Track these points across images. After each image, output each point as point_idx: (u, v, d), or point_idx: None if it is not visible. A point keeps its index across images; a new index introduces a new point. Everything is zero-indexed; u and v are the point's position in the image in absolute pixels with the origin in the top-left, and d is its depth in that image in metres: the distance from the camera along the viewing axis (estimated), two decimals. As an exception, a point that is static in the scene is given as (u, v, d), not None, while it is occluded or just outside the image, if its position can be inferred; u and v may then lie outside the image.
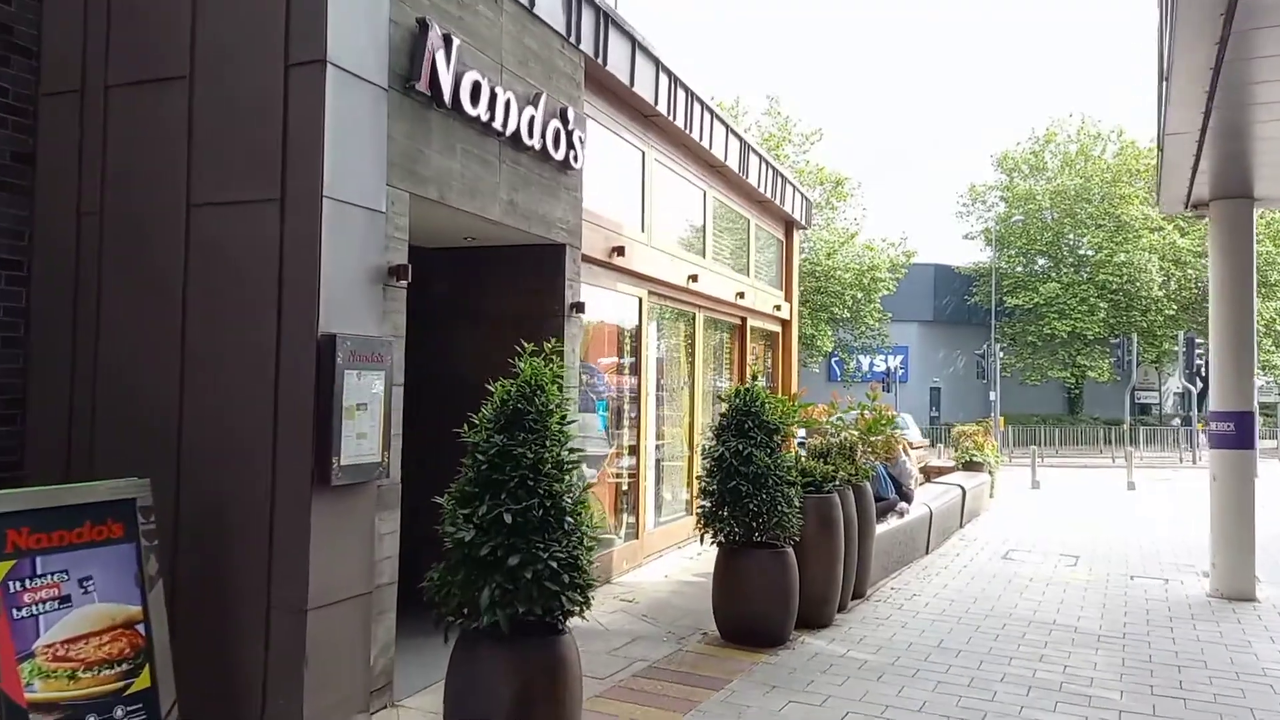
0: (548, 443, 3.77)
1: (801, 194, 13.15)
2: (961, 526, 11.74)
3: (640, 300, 8.34)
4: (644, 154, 8.31)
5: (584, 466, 4.41)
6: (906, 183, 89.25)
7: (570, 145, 6.25)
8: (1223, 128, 6.19)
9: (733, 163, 10.05)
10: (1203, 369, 35.77)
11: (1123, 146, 39.23)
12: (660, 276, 8.53)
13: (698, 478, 6.35)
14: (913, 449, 14.66)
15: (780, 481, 6.01)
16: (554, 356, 4.02)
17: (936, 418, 41.37)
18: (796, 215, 12.88)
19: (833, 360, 40.88)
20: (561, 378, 3.86)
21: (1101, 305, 37.92)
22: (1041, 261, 41.04)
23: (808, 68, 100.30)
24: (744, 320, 11.43)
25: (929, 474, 14.40)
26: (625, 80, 7.36)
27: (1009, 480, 18.73)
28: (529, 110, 5.73)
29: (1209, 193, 7.94)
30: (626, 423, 8.31)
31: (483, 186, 5.37)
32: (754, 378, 6.16)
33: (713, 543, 6.10)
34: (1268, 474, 20.17)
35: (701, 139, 9.06)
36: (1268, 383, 38.52)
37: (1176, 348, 32.72)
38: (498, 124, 5.39)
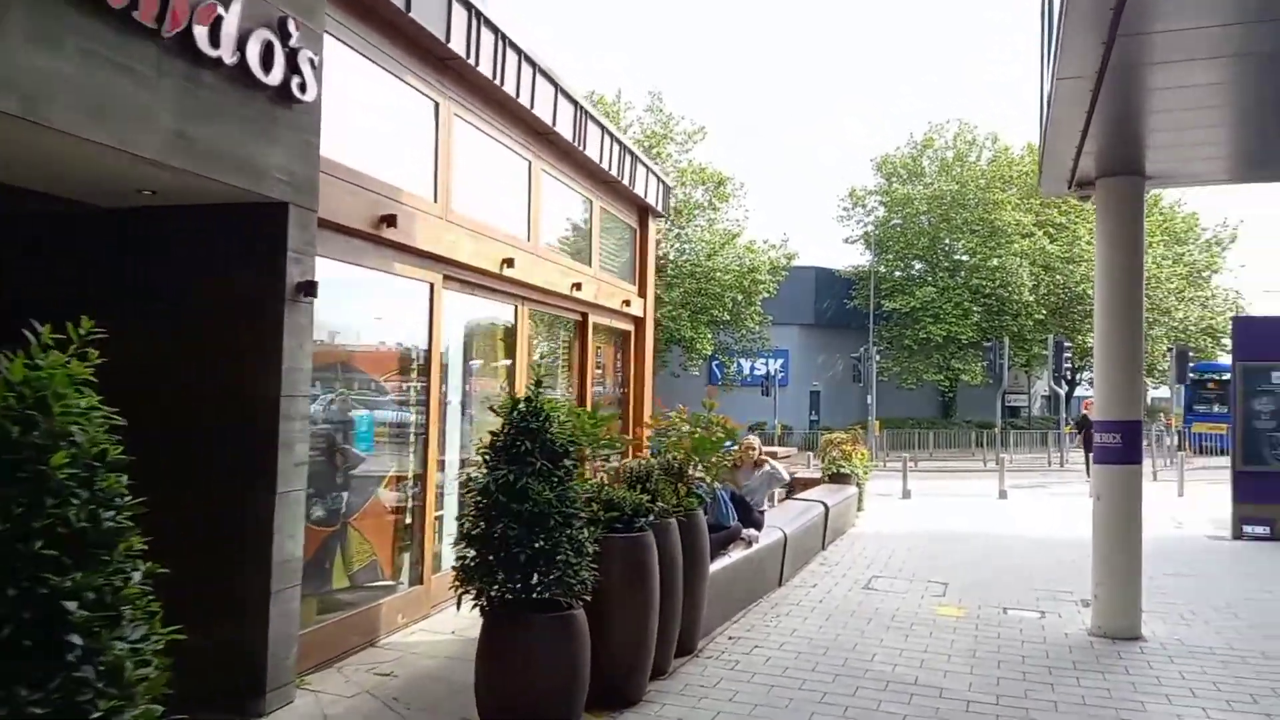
0: (45, 498, 2.16)
1: (659, 178, 11.81)
2: (824, 548, 10.58)
3: (432, 287, 6.76)
4: (437, 105, 6.74)
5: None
6: (791, 185, 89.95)
7: (294, 69, 4.65)
8: (1117, 85, 5.07)
9: (565, 130, 8.58)
10: (1070, 372, 36.50)
11: (997, 153, 39.72)
12: (460, 259, 6.98)
13: (457, 519, 4.81)
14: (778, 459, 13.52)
15: (566, 521, 4.55)
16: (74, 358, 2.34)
17: (816, 421, 40.99)
18: (652, 201, 11.52)
19: (713, 364, 40.03)
20: (86, 384, 2.24)
21: (975, 310, 38.23)
22: (918, 266, 41.20)
23: (693, 66, 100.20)
24: (585, 316, 9.99)
25: (794, 487, 13.28)
26: (399, 3, 5.80)
27: (882, 488, 17.88)
28: (216, 9, 4.11)
29: (1095, 169, 6.91)
30: (413, 439, 6.71)
31: (123, 106, 3.72)
32: (537, 383, 4.58)
33: (474, 606, 4.57)
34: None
35: (520, 96, 7.55)
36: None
37: (1045, 351, 33.07)
38: (148, 18, 3.75)
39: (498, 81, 7.13)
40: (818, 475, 13.66)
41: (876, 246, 41.48)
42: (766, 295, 36.66)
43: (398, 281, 6.42)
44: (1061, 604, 8.11)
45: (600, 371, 10.88)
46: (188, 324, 4.82)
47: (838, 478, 12.81)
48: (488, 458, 4.68)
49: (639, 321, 11.68)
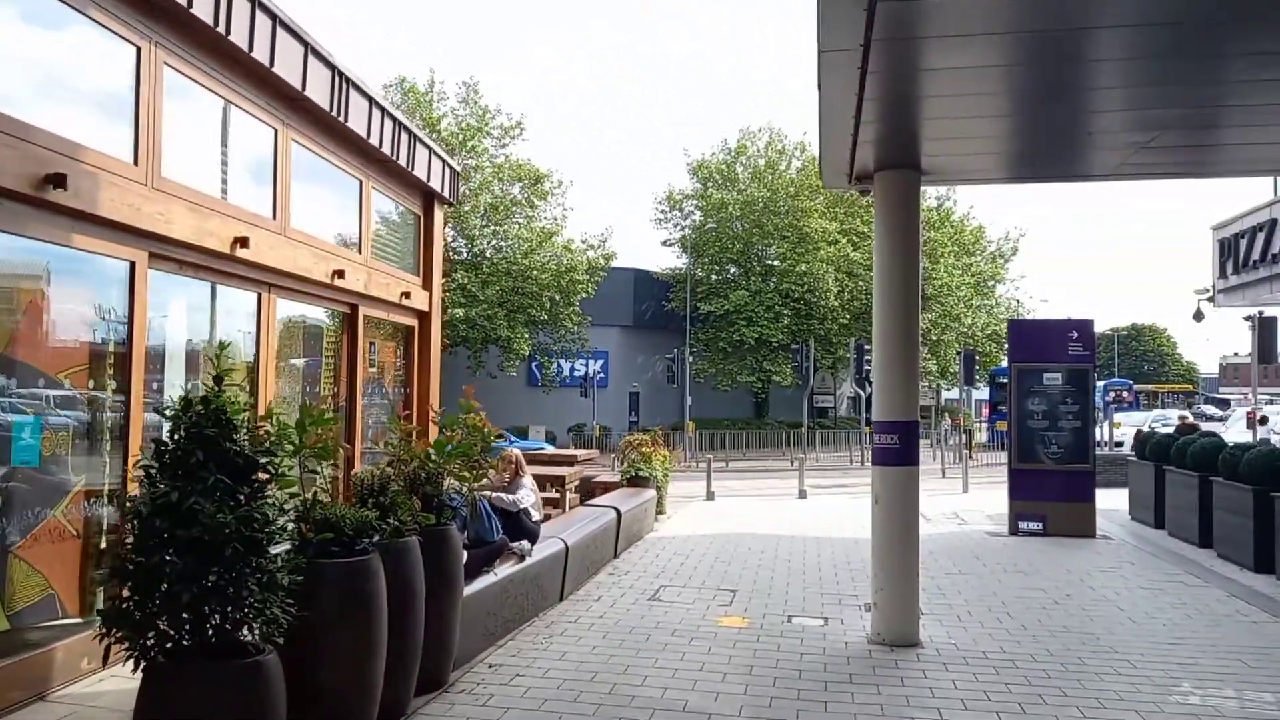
0: None
1: (445, 161, 10.94)
2: (616, 556, 10.06)
3: (133, 266, 5.68)
4: (139, 50, 5.66)
5: None
6: (613, 185, 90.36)
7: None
8: (887, 62, 4.75)
9: (320, 98, 7.61)
10: (870, 374, 38.24)
11: (806, 162, 41.02)
12: (174, 235, 5.91)
13: (104, 550, 3.85)
14: (578, 463, 12.96)
15: (250, 549, 3.70)
16: None
17: (636, 422, 40.96)
18: (437, 186, 10.64)
19: (532, 364, 39.23)
20: None
21: (785, 313, 39.33)
22: (733, 269, 41.98)
23: (512, 59, 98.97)
24: (354, 309, 9.00)
25: (592, 490, 12.76)
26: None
27: (687, 490, 17.73)
28: None
29: (874, 163, 6.68)
30: (108, 447, 5.61)
31: None
32: (217, 380, 3.68)
33: (129, 657, 3.64)
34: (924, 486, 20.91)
35: (255, 50, 6.54)
36: (923, 388, 41.90)
37: (849, 354, 34.34)
38: None
39: (223, 30, 6.11)
40: (618, 479, 13.16)
41: (693, 250, 41.97)
42: (585, 295, 36.23)
43: (80, 258, 5.32)
44: (846, 609, 7.91)
45: (376, 370, 9.91)
46: None
47: (636, 481, 12.37)
48: (151, 473, 3.76)
49: (424, 316, 10.76)
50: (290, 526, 4.22)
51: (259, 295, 7.31)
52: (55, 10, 5.02)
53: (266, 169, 7.31)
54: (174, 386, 6.39)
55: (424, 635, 5.19)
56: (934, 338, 41.37)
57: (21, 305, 5.04)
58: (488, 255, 34.98)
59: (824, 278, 38.42)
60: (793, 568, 9.81)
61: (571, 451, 14.55)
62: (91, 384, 5.48)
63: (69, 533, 5.35)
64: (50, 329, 5.23)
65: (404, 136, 9.50)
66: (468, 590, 5.98)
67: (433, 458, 5.35)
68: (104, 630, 3.63)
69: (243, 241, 6.61)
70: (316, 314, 8.57)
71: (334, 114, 7.90)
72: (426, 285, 10.79)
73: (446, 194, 10.99)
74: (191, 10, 5.78)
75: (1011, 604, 8.14)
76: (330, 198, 8.69)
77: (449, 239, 35.30)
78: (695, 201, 42.71)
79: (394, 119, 9.20)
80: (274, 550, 3.93)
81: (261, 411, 6.33)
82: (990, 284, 46.23)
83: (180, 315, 6.50)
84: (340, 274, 8.25)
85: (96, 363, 5.56)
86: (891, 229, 6.75)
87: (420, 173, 10.04)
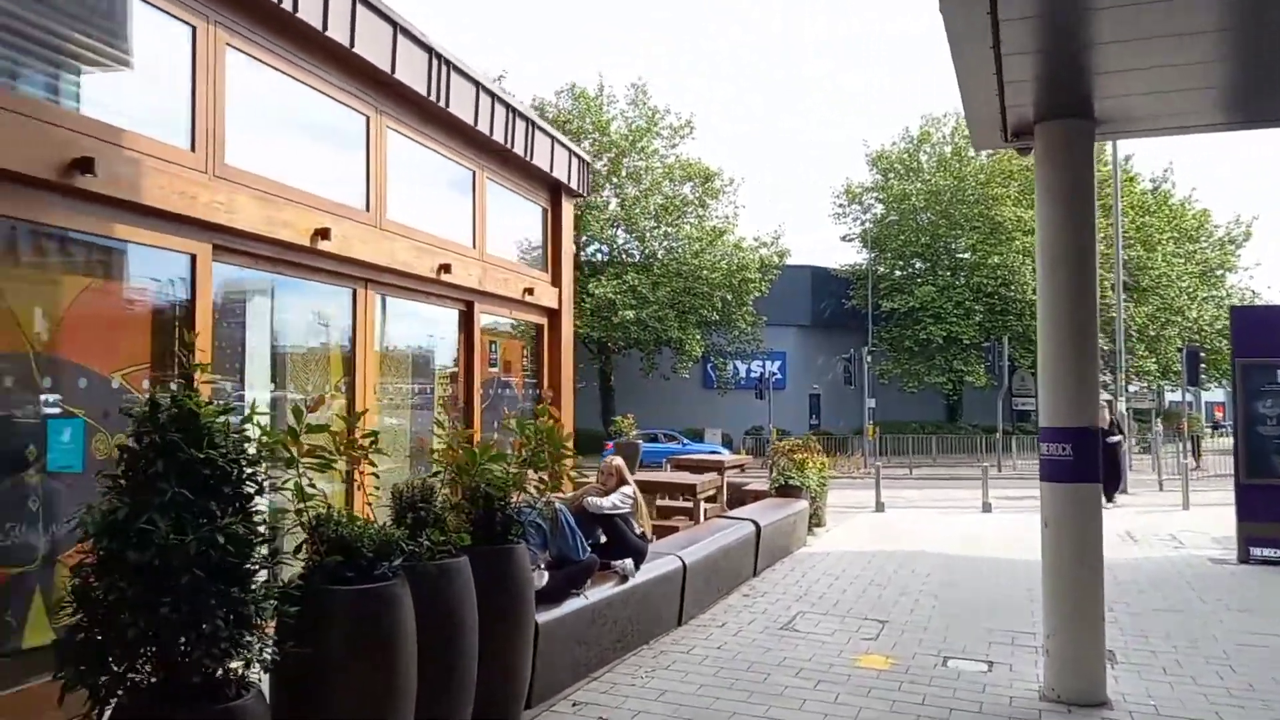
0: None
1: (572, 152, 10.36)
2: (755, 574, 9.08)
3: (194, 259, 5.33)
4: (195, 29, 5.32)
5: None
6: (785, 181, 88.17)
7: None
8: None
9: (414, 81, 7.15)
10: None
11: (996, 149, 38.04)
12: (240, 225, 5.54)
13: (67, 579, 3.34)
14: (726, 469, 12.06)
15: (215, 576, 3.10)
16: None
17: (816, 425, 39.44)
18: (563, 177, 10.08)
19: (707, 366, 38.53)
20: None
21: (977, 309, 36.60)
22: (918, 264, 39.59)
23: (682, 61, 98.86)
24: (470, 306, 8.54)
25: (742, 500, 11.80)
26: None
27: (857, 500, 16.41)
28: None
29: (1033, 112, 5.42)
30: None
31: None
32: (186, 376, 3.11)
33: (90, 710, 3.11)
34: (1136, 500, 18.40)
35: (329, 29, 6.12)
36: (1141, 389, 37.79)
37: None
38: None
39: (289, 7, 5.70)
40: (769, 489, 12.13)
41: (874, 244, 39.91)
42: (759, 295, 35.14)
43: (131, 250, 5.00)
44: (1019, 653, 6.59)
45: (499, 370, 9.44)
46: None
47: (786, 490, 11.30)
48: (109, 486, 3.24)
49: (553, 313, 10.23)
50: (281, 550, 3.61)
51: (353, 291, 6.92)
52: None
53: (357, 158, 6.92)
54: (254, 388, 6.06)
55: (485, 670, 4.51)
56: (1152, 333, 37.28)
57: (69, 301, 4.76)
58: (659, 256, 34.58)
59: (1020, 270, 35.42)
60: (960, 596, 8.49)
61: (718, 457, 13.62)
62: (145, 384, 5.16)
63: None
64: (102, 325, 4.94)
65: (521, 125, 8.96)
66: (547, 616, 5.26)
67: (472, 466, 4.64)
68: (58, 666, 3.13)
69: (323, 233, 6.20)
70: (427, 311, 8.14)
71: (433, 99, 7.43)
72: (555, 281, 10.24)
73: (575, 186, 10.40)
74: (254, -14, 5.40)
75: (1235, 654, 6.54)
76: (438, 190, 8.27)
77: (620, 240, 35.24)
78: (875, 194, 40.65)
79: (508, 106, 8.68)
80: (270, 576, 3.34)
81: (364, 411, 5.87)
82: (1219, 273, 41.24)
83: (257, 311, 6.16)
84: (446, 268, 7.77)
85: (157, 360, 5.25)
86: (1058, 194, 5.46)
87: (542, 163, 9.49)
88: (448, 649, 4.22)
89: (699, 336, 34.69)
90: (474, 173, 8.61)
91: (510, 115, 8.72)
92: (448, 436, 4.97)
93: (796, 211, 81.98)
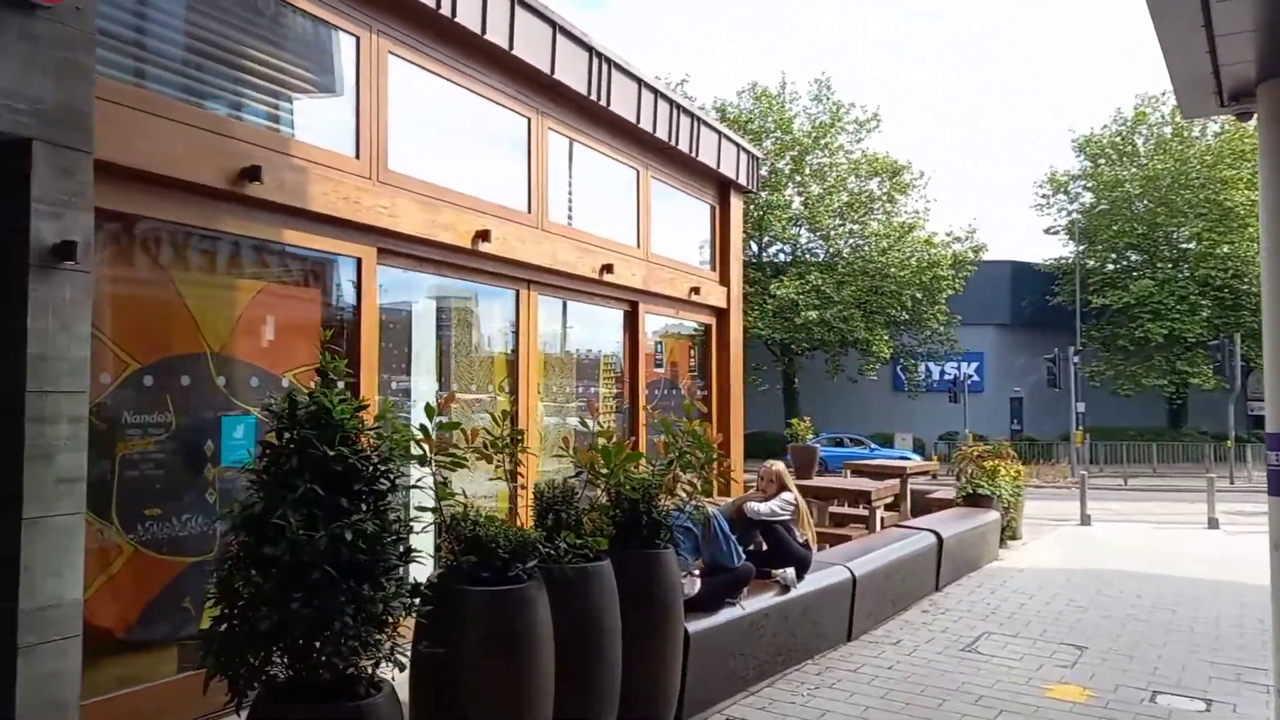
0: None
1: (740, 147, 10.11)
2: (938, 589, 8.47)
3: (360, 262, 5.51)
4: (359, 40, 5.50)
5: None
6: (980, 174, 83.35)
7: (19, -39, 3.51)
8: None
9: (574, 81, 7.14)
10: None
11: (1224, 125, 34.39)
12: (403, 229, 5.68)
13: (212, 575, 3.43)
14: (910, 475, 11.43)
15: (346, 573, 3.10)
16: None
17: (1019, 430, 37.11)
18: (731, 174, 9.85)
19: (896, 368, 37.03)
20: None
21: (1204, 304, 33.18)
22: (1133, 256, 36.37)
23: (867, 52, 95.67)
24: (634, 306, 8.48)
25: (928, 508, 11.12)
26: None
27: (1060, 511, 15.17)
28: None
29: (1256, 69, 4.67)
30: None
31: None
32: (323, 374, 3.15)
33: (229, 700, 3.18)
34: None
35: (487, 33, 6.19)
36: None
37: (1292, 352, 27.93)
38: None
39: (447, 13, 5.80)
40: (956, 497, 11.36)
41: (1082, 236, 37.03)
42: (952, 292, 33.42)
43: (301, 254, 5.22)
44: (1244, 691, 5.76)
45: (665, 370, 9.34)
46: None
47: (975, 500, 10.52)
48: (251, 481, 3.32)
49: (721, 313, 10.01)
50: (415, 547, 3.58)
51: (516, 292, 6.99)
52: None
53: (518, 159, 6.98)
54: (418, 388, 6.22)
55: (631, 676, 4.36)
56: None
57: (244, 303, 5.02)
58: (843, 254, 33.59)
59: (1255, 260, 31.77)
60: (1176, 621, 7.56)
61: (899, 463, 12.90)
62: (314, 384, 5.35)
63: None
64: (275, 326, 5.18)
65: (685, 121, 8.81)
66: (699, 625, 5.04)
67: (608, 466, 4.48)
68: (202, 654, 3.23)
69: (484, 235, 6.28)
70: (591, 312, 8.14)
71: (594, 98, 7.41)
72: (724, 280, 10.02)
73: (744, 182, 10.15)
74: (411, -7, 5.52)
75: None
76: (600, 190, 8.24)
77: (803, 240, 34.52)
78: (1083, 182, 37.71)
79: (671, 103, 8.56)
80: (403, 574, 3.33)
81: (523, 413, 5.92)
82: None
83: (421, 311, 6.31)
84: (609, 268, 7.73)
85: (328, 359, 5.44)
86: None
87: (708, 159, 9.30)
88: (588, 653, 4.10)
89: (887, 337, 33.38)
90: (637, 171, 8.54)
91: (674, 112, 8.59)
92: (588, 437, 4.84)
93: (992, 205, 77.45)
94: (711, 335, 10.00)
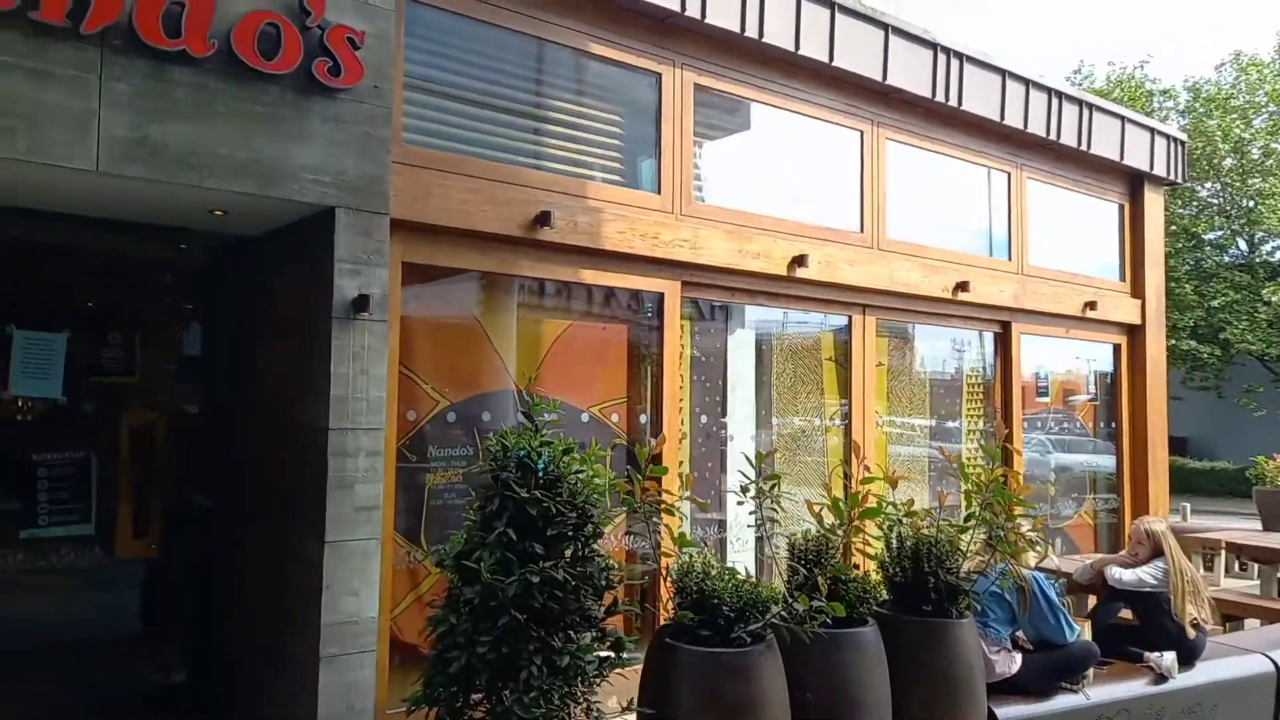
0: None
1: (1155, 131, 8.48)
2: None
3: (661, 297, 5.53)
4: (661, 76, 5.53)
5: None
6: None
7: (320, 52, 4.05)
8: None
9: (913, 83, 6.52)
10: None
11: None
12: (705, 261, 5.60)
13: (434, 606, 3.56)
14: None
15: (537, 619, 3.06)
16: None
17: None
18: (1143, 164, 8.30)
19: None
20: None
21: None
22: None
23: None
24: (1005, 327, 7.50)
25: None
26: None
27: None
28: None
29: None
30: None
31: (26, 112, 3.47)
32: (527, 414, 3.24)
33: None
34: None
35: (801, 47, 5.89)
36: None
37: None
38: (55, 16, 3.47)
39: (753, 34, 5.62)
40: None
41: None
42: None
43: (603, 292, 5.40)
44: None
45: (1047, 400, 8.12)
46: (241, 350, 4.55)
47: None
48: (466, 518, 3.44)
49: (1132, 331, 8.46)
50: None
51: (848, 317, 6.55)
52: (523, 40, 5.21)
53: (848, 176, 6.54)
54: (736, 421, 6.08)
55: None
56: None
57: (547, 341, 5.30)
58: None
59: None
60: None
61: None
62: (614, 417, 5.48)
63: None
64: (578, 363, 5.40)
65: (1070, 110, 7.63)
66: (1015, 711, 4.22)
67: (827, 521, 3.87)
68: (423, 685, 3.40)
69: (800, 260, 5.96)
70: (948, 334, 7.36)
71: (943, 100, 6.71)
72: (1136, 291, 8.48)
73: (1163, 172, 8.50)
74: (707, 20, 5.45)
75: None
76: (957, 199, 7.41)
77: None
78: None
79: (1049, 91, 7.45)
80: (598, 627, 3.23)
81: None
82: None
83: (739, 344, 6.16)
84: (963, 286, 6.91)
85: (634, 394, 5.56)
86: None
87: (1106, 150, 7.95)
88: (840, 736, 3.61)
89: None
90: (1008, 175, 7.55)
91: (1053, 101, 7.46)
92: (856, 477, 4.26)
93: None
94: (1120, 358, 8.48)
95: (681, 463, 5.69)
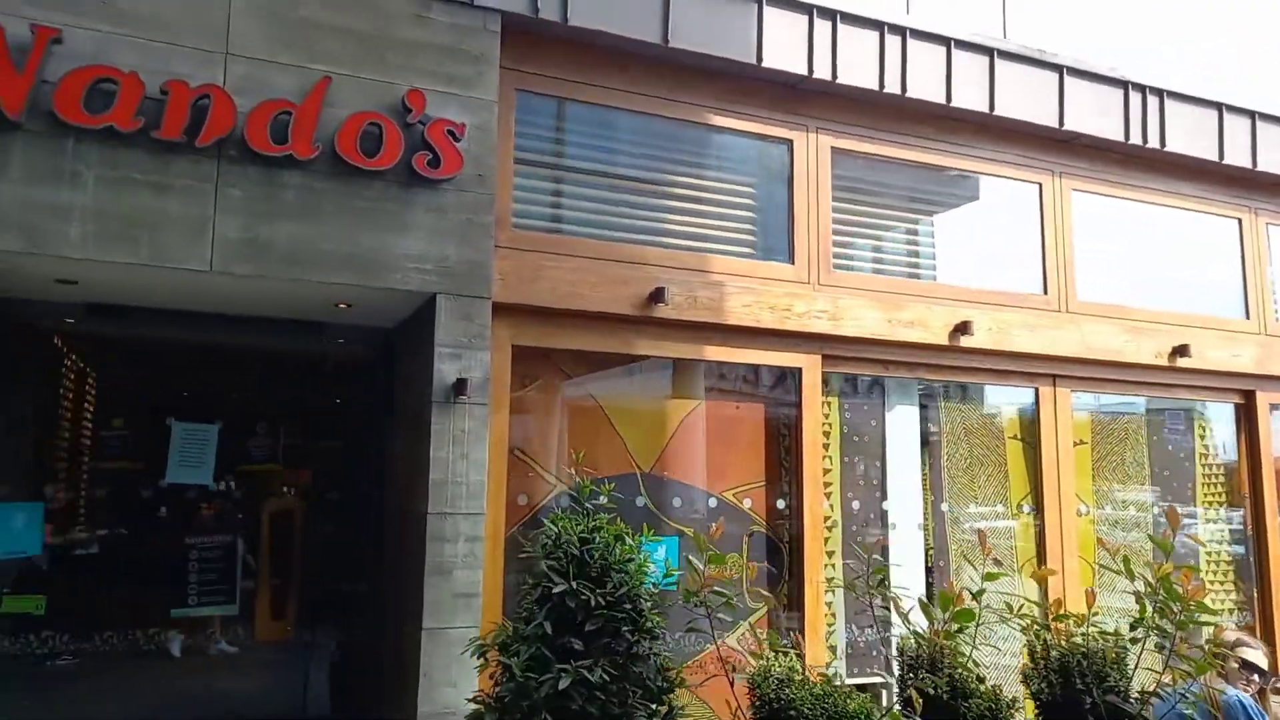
0: None
1: None
2: None
3: (800, 373, 5.14)
4: (793, 143, 5.26)
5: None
6: None
7: (422, 146, 4.20)
8: None
9: (1102, 127, 5.79)
10: None
11: None
12: (847, 333, 5.16)
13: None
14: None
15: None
16: None
17: None
18: None
19: None
20: None
21: None
22: None
23: None
24: (1249, 397, 6.33)
25: None
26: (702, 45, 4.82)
27: None
28: (274, 110, 3.98)
29: None
30: (785, 555, 5.08)
31: (149, 222, 3.82)
32: (576, 500, 3.08)
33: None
34: None
35: (953, 98, 5.41)
36: None
37: None
38: (174, 134, 3.83)
39: (894, 89, 5.24)
40: None
41: None
42: None
43: (733, 369, 5.10)
44: None
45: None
46: (375, 439, 4.64)
47: None
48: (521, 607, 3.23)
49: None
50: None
51: (1035, 390, 5.78)
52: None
53: (1026, 235, 5.86)
54: (899, 503, 5.49)
55: None
56: None
57: (673, 422, 5.07)
58: None
59: None
60: None
61: None
62: (748, 502, 5.10)
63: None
64: (708, 444, 5.11)
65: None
66: None
67: (945, 635, 3.19)
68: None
69: (963, 327, 5.36)
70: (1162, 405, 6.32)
71: (1140, 143, 5.91)
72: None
73: None
74: (839, 80, 5.15)
75: None
76: (1170, 252, 6.42)
77: None
78: None
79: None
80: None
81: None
82: None
83: (898, 420, 5.58)
84: (1182, 351, 5.93)
85: (771, 477, 5.17)
86: None
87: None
88: None
89: None
90: (1239, 221, 6.47)
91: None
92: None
93: None
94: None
95: (831, 553, 5.19)
